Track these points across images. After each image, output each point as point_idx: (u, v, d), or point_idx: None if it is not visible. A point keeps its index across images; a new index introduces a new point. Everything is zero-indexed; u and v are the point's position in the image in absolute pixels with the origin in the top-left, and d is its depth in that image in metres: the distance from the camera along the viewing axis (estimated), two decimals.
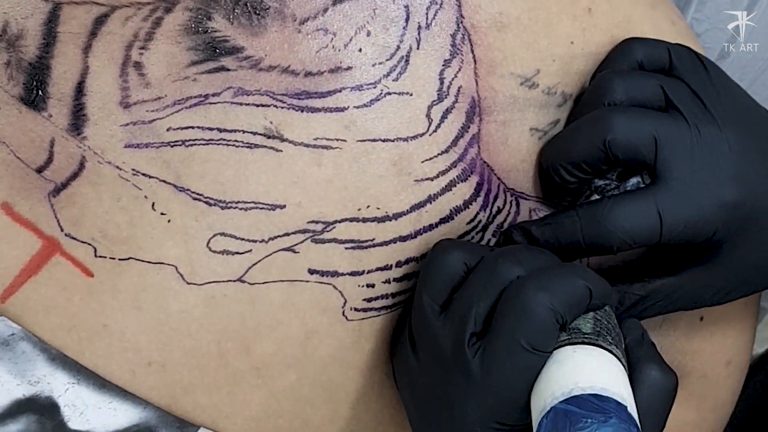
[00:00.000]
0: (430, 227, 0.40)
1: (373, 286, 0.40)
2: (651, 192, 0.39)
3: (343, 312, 0.40)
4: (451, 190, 0.40)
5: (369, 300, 0.40)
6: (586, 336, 0.35)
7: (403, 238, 0.40)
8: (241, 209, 0.38)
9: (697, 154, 0.39)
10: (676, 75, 0.42)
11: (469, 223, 0.41)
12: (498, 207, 0.42)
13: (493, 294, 0.36)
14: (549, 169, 0.41)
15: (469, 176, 0.40)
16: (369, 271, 0.40)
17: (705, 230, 0.39)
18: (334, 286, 0.40)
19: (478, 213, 0.41)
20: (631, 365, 0.36)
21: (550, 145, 0.42)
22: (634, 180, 0.43)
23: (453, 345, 0.36)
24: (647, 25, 0.44)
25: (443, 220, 0.40)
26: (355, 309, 0.40)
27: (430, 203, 0.40)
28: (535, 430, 0.33)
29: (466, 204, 0.41)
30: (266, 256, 0.38)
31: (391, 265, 0.40)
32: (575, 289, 0.35)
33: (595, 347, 0.35)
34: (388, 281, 0.40)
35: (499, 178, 0.41)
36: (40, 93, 0.36)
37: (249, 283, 0.38)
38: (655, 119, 0.39)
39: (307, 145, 0.38)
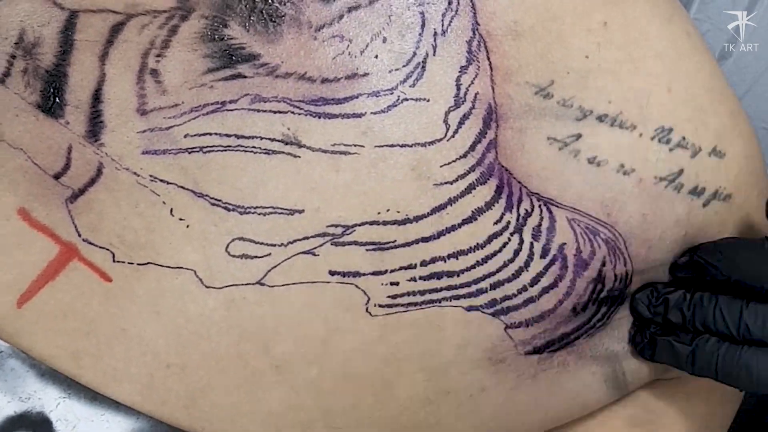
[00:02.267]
0: (453, 228, 0.40)
1: (397, 284, 0.40)
2: None
3: (367, 308, 0.40)
4: (470, 192, 0.40)
5: (394, 297, 0.40)
6: None
7: (426, 239, 0.40)
8: (259, 214, 0.38)
9: None
10: None
11: (496, 223, 0.41)
12: (526, 210, 0.42)
13: None
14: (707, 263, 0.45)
15: (488, 179, 0.41)
16: (392, 271, 0.40)
17: None
18: (356, 286, 0.40)
19: (503, 214, 0.41)
20: None
21: (729, 258, 0.45)
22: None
23: None
24: (664, 42, 0.44)
25: (466, 221, 0.40)
26: (380, 305, 0.40)
27: (451, 205, 0.40)
28: None
29: (488, 205, 0.41)
30: (286, 260, 0.39)
31: (416, 264, 0.40)
32: None
33: None
34: (413, 279, 0.40)
35: (519, 182, 0.42)
36: (57, 100, 0.37)
37: (269, 286, 0.39)
38: None
39: (324, 151, 0.38)
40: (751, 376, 0.42)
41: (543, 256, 0.43)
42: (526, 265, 0.42)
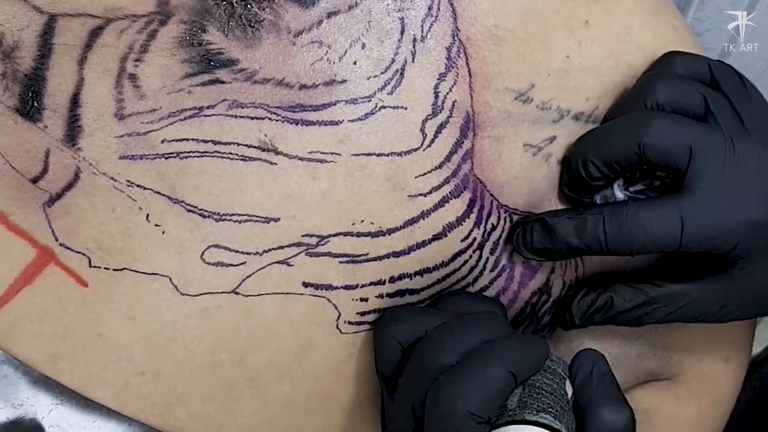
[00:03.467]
0: (423, 243, 0.40)
1: (366, 300, 0.40)
2: (677, 199, 0.39)
3: (337, 325, 0.40)
4: (443, 206, 0.40)
5: (362, 314, 0.41)
6: (510, 413, 0.36)
7: (396, 254, 0.40)
8: (235, 222, 0.38)
9: (729, 168, 0.39)
10: (717, 88, 0.42)
11: (463, 240, 0.41)
12: (492, 224, 0.42)
13: (422, 391, 0.36)
14: (578, 163, 0.41)
15: (462, 192, 0.40)
16: (363, 285, 0.40)
17: (726, 243, 0.39)
18: (329, 299, 0.40)
19: (472, 230, 0.41)
20: (581, 408, 0.37)
21: (584, 139, 0.42)
22: (639, 187, 0.43)
23: None
24: (649, 35, 0.44)
25: (436, 237, 0.40)
26: (349, 322, 0.40)
27: (423, 219, 0.40)
28: None
29: (459, 221, 0.41)
30: (260, 269, 0.38)
31: (385, 280, 0.40)
32: (495, 382, 0.35)
33: (516, 426, 0.35)
34: (381, 296, 0.40)
35: (492, 195, 0.41)
36: (36, 104, 0.36)
37: (243, 295, 0.38)
38: (693, 128, 0.39)
39: (301, 159, 0.38)
40: (645, 232, 0.39)
41: (493, 269, 0.43)
42: (475, 280, 0.42)
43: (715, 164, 0.39)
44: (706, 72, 0.42)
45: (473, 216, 0.41)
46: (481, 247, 0.42)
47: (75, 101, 0.37)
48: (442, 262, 0.41)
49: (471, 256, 0.42)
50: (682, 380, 0.49)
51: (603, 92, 0.43)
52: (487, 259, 0.42)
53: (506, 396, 0.36)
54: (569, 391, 0.38)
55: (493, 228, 0.42)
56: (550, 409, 0.36)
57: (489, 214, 0.41)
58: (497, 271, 0.43)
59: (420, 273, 0.41)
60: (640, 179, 0.43)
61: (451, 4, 0.39)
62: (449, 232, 0.41)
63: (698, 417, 0.51)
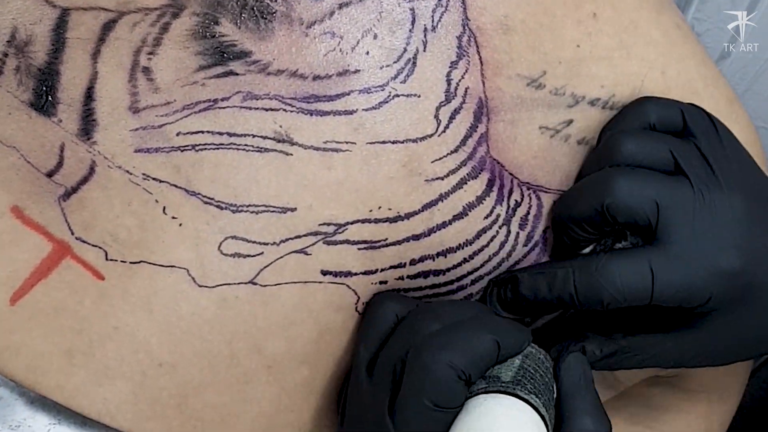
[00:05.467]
0: (444, 224, 0.40)
1: (386, 282, 0.41)
2: (647, 252, 0.39)
3: (356, 308, 0.41)
4: (462, 187, 0.40)
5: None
6: (503, 384, 0.36)
7: (416, 237, 0.40)
8: (252, 212, 0.38)
9: (699, 220, 0.39)
10: (689, 136, 0.41)
11: (486, 217, 0.41)
12: (516, 200, 0.42)
13: (405, 349, 0.37)
14: (557, 225, 0.42)
15: (480, 173, 0.41)
16: (382, 270, 0.40)
17: (698, 296, 0.38)
18: (348, 286, 0.40)
19: (494, 207, 0.41)
20: (563, 416, 0.37)
21: (559, 200, 0.43)
22: (626, 242, 0.43)
23: (375, 409, 0.37)
24: (655, 31, 0.44)
25: (457, 217, 0.41)
26: (366, 303, 0.41)
27: (442, 201, 0.40)
28: None
29: (480, 199, 0.41)
30: (278, 259, 0.38)
31: (405, 263, 0.40)
32: (480, 345, 0.36)
33: (508, 396, 0.35)
34: (401, 278, 0.41)
35: (511, 174, 0.42)
36: (50, 98, 0.37)
37: (261, 285, 0.39)
38: (658, 183, 0.39)
39: (316, 149, 0.38)
40: (615, 284, 0.39)
41: (526, 243, 0.43)
42: (508, 255, 0.43)
43: (685, 217, 0.39)
44: (678, 119, 0.42)
45: (494, 194, 0.41)
46: (507, 222, 0.42)
47: (89, 95, 0.37)
48: (466, 241, 0.41)
49: (498, 232, 0.42)
50: (690, 375, 0.49)
51: (618, 81, 0.43)
52: (518, 234, 0.43)
53: (489, 364, 0.36)
54: (554, 389, 0.38)
55: (518, 204, 0.42)
56: (540, 396, 0.36)
57: (511, 191, 0.42)
58: (531, 246, 0.43)
59: (443, 254, 0.41)
60: (622, 235, 0.43)
61: None
62: (470, 211, 0.41)
63: (707, 413, 0.51)
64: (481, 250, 0.42)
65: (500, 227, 0.42)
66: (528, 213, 0.43)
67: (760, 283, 0.39)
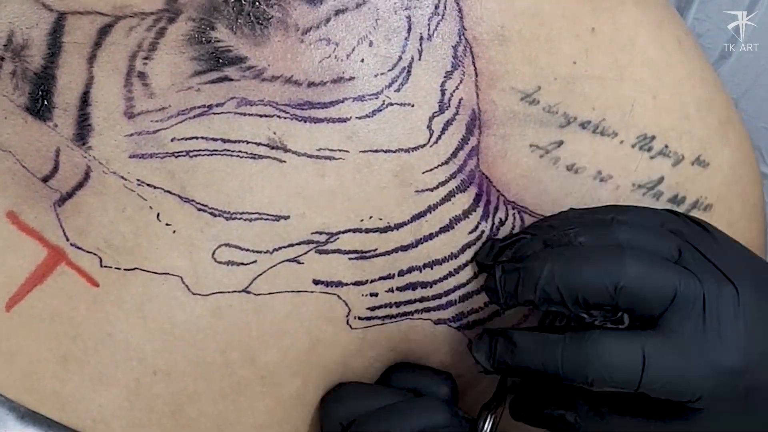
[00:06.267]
0: (431, 236, 0.40)
1: (376, 295, 0.40)
2: (643, 336, 0.37)
3: (348, 321, 0.40)
4: (450, 200, 0.40)
5: (372, 309, 0.41)
6: None
7: (404, 248, 0.40)
8: (245, 220, 0.38)
9: (706, 315, 0.37)
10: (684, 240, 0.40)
11: (471, 232, 0.41)
12: (500, 218, 0.42)
13: None
14: (542, 290, 0.37)
15: (468, 187, 0.40)
16: (372, 281, 0.40)
17: (689, 391, 0.36)
18: (339, 296, 0.40)
19: (479, 223, 0.41)
20: None
21: (555, 259, 0.38)
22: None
23: None
24: (653, 49, 0.43)
25: (443, 229, 0.40)
26: (359, 318, 0.40)
27: (430, 213, 0.40)
28: None
29: (466, 214, 0.41)
30: (271, 267, 0.38)
31: (394, 275, 0.40)
32: None
33: None
34: (391, 290, 0.41)
35: (498, 191, 0.41)
36: (46, 103, 0.37)
37: (254, 294, 0.38)
38: (671, 271, 0.37)
39: (310, 156, 0.38)
40: (603, 362, 0.36)
41: None
42: None
43: (694, 311, 0.37)
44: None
45: (480, 209, 0.41)
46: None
47: (85, 100, 0.37)
48: (451, 254, 0.41)
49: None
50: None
51: (609, 104, 0.42)
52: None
53: None
54: None
55: (502, 223, 0.42)
56: None
57: (496, 209, 0.41)
58: None
59: (429, 265, 0.41)
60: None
61: (458, 4, 0.39)
62: (456, 224, 0.41)
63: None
64: (465, 264, 0.41)
65: (484, 244, 0.42)
66: (511, 232, 0.42)
67: (763, 386, 0.37)
